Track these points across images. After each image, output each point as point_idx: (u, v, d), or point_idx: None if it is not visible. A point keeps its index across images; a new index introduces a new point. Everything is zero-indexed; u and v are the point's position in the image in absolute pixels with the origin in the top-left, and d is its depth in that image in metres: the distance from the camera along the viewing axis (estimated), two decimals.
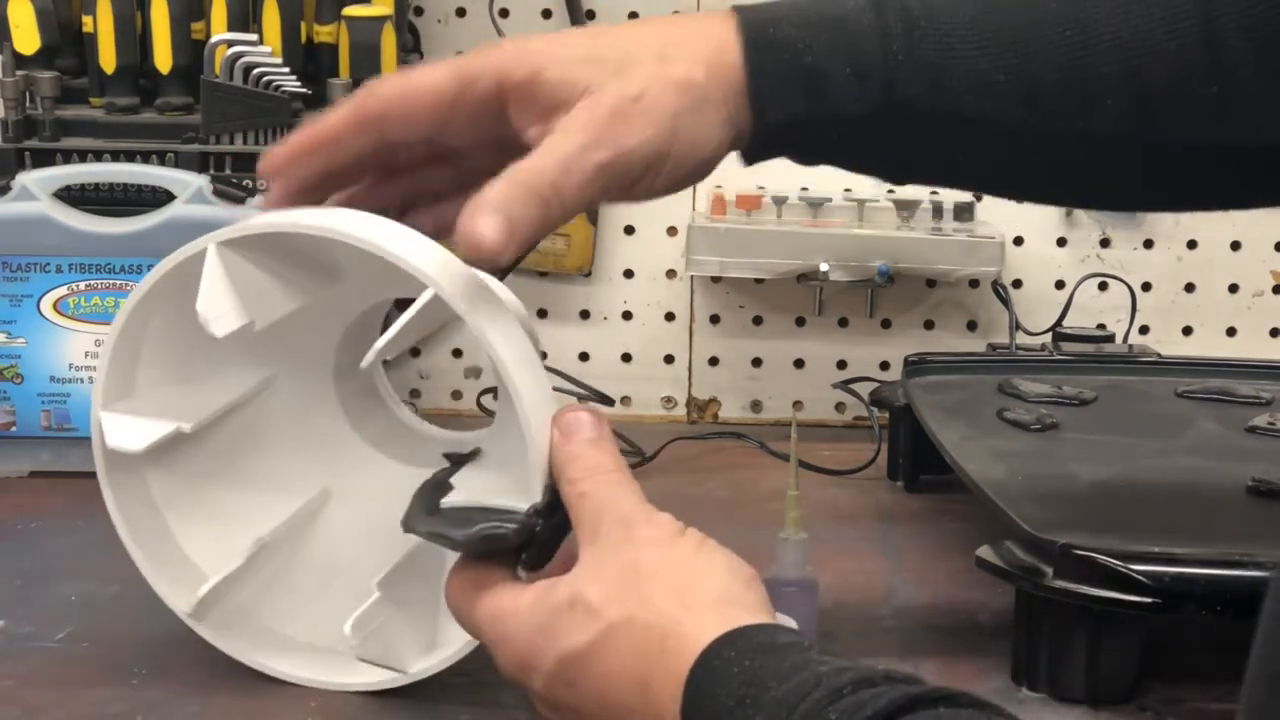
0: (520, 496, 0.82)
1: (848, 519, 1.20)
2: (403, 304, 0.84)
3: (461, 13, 1.42)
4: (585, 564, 0.77)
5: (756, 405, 1.47)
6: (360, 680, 0.90)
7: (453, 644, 0.88)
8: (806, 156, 0.87)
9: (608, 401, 1.39)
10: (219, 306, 0.84)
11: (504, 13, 1.40)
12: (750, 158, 0.87)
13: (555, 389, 1.39)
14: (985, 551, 0.93)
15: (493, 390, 1.43)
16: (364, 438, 0.97)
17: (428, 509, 0.83)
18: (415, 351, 1.47)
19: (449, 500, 0.84)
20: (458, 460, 0.88)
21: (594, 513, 0.79)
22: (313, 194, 0.87)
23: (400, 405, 1.01)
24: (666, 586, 0.75)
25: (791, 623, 0.91)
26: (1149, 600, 0.86)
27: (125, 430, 0.89)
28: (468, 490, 0.84)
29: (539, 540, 0.81)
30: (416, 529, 0.82)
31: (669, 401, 1.47)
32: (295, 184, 0.86)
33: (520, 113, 0.82)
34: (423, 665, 0.89)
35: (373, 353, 0.82)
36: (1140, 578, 0.86)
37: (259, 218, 0.86)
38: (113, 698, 0.90)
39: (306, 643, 0.93)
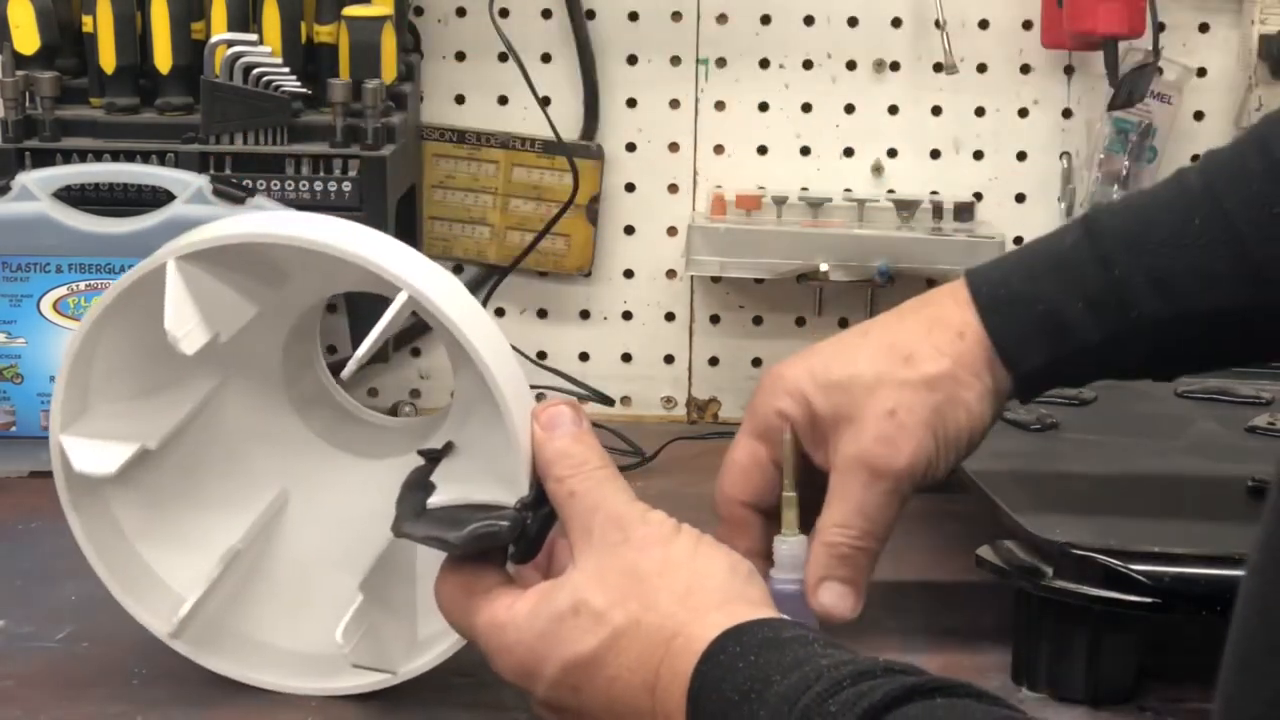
0: (502, 487, 0.82)
1: None
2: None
3: (461, 13, 1.42)
4: (583, 568, 0.77)
5: None
6: (350, 684, 0.90)
7: (439, 643, 0.87)
8: (1077, 382, 0.96)
9: (608, 401, 1.39)
10: (185, 323, 0.83)
11: (504, 12, 1.40)
12: (1023, 398, 0.91)
13: (556, 389, 1.40)
14: (985, 551, 0.93)
15: None
16: (317, 434, 0.97)
17: (415, 511, 0.83)
18: (415, 351, 1.47)
19: (434, 500, 0.84)
20: (433, 457, 0.87)
21: (585, 512, 0.79)
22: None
23: (349, 399, 1.00)
24: (670, 588, 0.75)
25: None
26: (1149, 600, 0.86)
27: (91, 454, 0.88)
28: (450, 488, 0.84)
29: (529, 533, 0.81)
30: (410, 534, 0.82)
31: (669, 401, 1.47)
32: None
33: (806, 440, 0.89)
34: (412, 665, 0.89)
35: (353, 362, 0.83)
36: (1140, 578, 0.87)
37: (213, 228, 0.86)
38: (113, 698, 0.90)
39: (290, 649, 0.93)
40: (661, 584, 0.76)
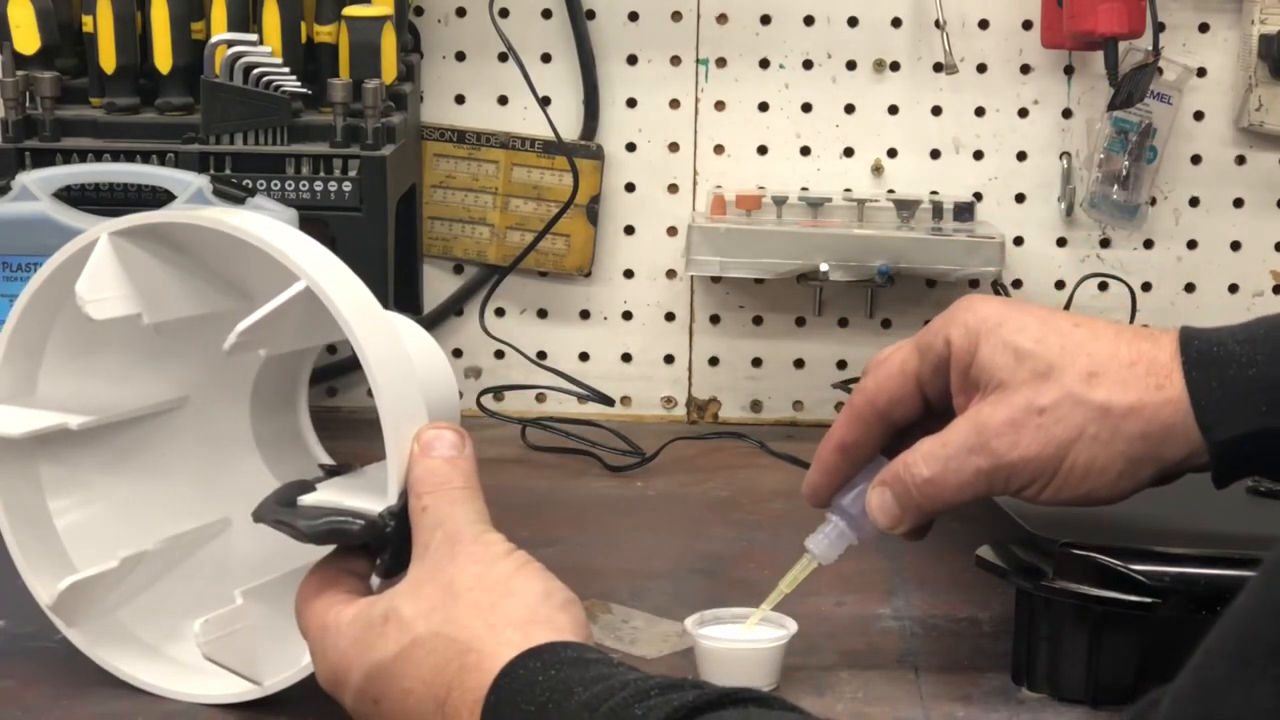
0: (379, 502, 0.82)
1: None
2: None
3: (461, 13, 1.42)
4: (408, 579, 0.77)
5: (756, 405, 1.47)
6: (215, 692, 0.88)
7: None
8: (1277, 470, 0.86)
9: (608, 401, 1.39)
10: (100, 291, 0.84)
11: (504, 12, 1.40)
12: (1219, 480, 0.84)
13: (554, 389, 1.40)
14: (985, 551, 0.93)
15: (494, 390, 1.43)
16: (277, 477, 0.96)
17: (282, 503, 0.83)
18: None
19: (307, 498, 0.84)
20: (331, 471, 0.89)
21: (428, 528, 0.78)
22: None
23: (324, 452, 1.00)
24: (474, 604, 0.75)
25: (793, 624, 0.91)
26: (1149, 600, 0.86)
27: (10, 417, 0.89)
28: (328, 492, 0.85)
29: (392, 544, 0.80)
30: (264, 517, 0.83)
31: (669, 401, 1.47)
32: (836, 488, 0.90)
33: (954, 376, 0.85)
34: (278, 678, 0.86)
35: (233, 335, 0.82)
36: (1140, 578, 0.87)
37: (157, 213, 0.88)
38: (112, 697, 0.90)
39: (191, 664, 0.90)
40: (469, 598, 0.75)
